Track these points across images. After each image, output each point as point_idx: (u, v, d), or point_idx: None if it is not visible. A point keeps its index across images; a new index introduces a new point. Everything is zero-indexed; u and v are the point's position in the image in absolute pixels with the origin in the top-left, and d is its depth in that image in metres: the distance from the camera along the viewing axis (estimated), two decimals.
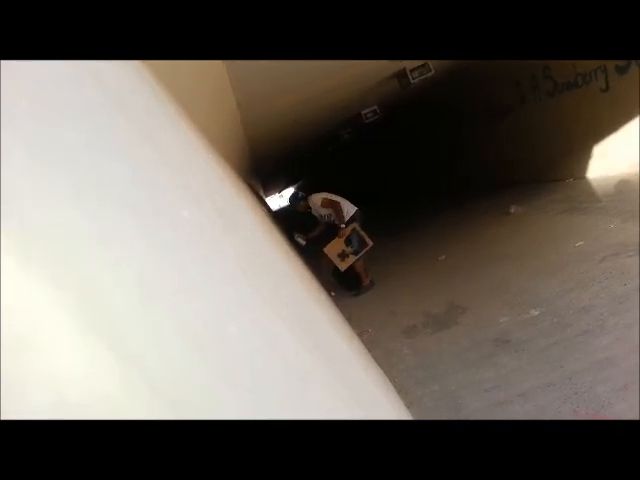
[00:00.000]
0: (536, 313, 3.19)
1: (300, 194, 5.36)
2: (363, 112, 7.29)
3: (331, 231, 5.23)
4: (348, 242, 5.12)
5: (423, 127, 10.33)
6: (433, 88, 7.08)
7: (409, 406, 2.43)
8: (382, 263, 5.93)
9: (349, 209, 5.19)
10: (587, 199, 5.45)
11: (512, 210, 6.05)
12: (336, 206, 5.09)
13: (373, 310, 4.57)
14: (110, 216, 0.35)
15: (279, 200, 29.62)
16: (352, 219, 5.17)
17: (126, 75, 0.67)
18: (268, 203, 11.09)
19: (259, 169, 9.40)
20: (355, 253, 5.13)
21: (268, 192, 19.19)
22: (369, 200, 7.37)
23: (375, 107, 7.30)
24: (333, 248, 5.13)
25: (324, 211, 5.19)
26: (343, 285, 5.41)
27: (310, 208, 5.27)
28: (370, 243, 5.17)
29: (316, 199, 5.18)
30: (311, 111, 5.93)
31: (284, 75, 3.50)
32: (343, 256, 5.12)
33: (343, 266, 5.14)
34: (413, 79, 5.37)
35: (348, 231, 5.10)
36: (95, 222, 0.33)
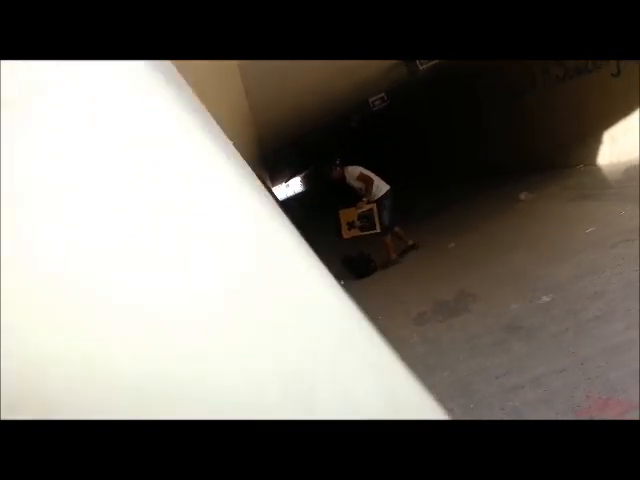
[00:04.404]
0: (547, 299, 3.16)
1: (337, 161, 5.50)
2: (370, 100, 7.21)
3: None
4: (362, 217, 5.31)
5: (432, 114, 10.23)
6: (442, 73, 7.00)
7: None
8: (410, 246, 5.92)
9: (381, 186, 5.44)
10: (598, 185, 5.39)
11: (522, 197, 5.99)
12: (369, 182, 5.33)
13: (382, 298, 4.56)
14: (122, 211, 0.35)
15: (285, 190, 29.39)
16: (384, 197, 5.38)
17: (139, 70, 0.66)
18: (275, 192, 11.06)
19: (267, 157, 9.38)
20: (361, 230, 5.33)
21: (275, 181, 19.15)
22: None
23: (382, 94, 7.22)
24: (346, 215, 5.38)
25: (357, 184, 5.41)
26: (352, 272, 5.42)
27: (344, 178, 5.45)
28: (377, 229, 5.30)
29: (353, 171, 5.41)
30: (318, 99, 5.90)
31: (291, 62, 3.47)
32: (350, 226, 5.37)
33: (345, 235, 5.41)
34: (421, 65, 5.34)
35: (365, 208, 5.30)
36: (109, 217, 0.33)
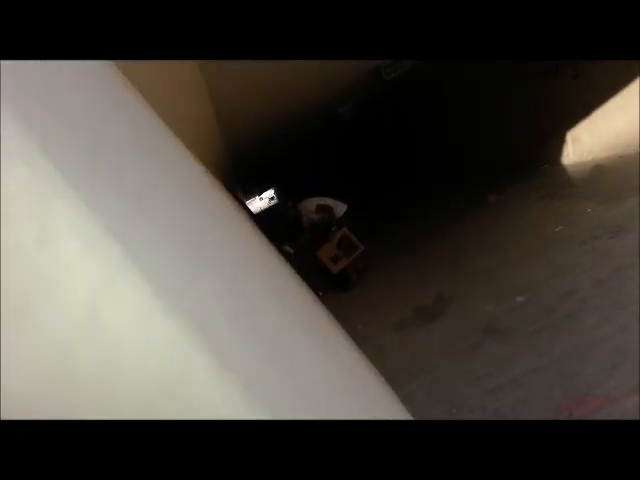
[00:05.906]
0: (521, 300, 3.19)
1: (290, 203, 5.45)
2: (340, 110, 6.93)
3: (319, 234, 5.29)
4: (339, 246, 5.24)
5: (398, 120, 10.08)
6: (408, 80, 6.68)
7: (403, 399, 2.28)
8: (365, 259, 5.75)
9: (340, 208, 5.39)
10: (563, 184, 5.46)
11: (490, 200, 6.07)
12: (329, 210, 5.29)
13: (361, 307, 4.53)
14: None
15: (259, 203, 24.60)
16: (341, 219, 5.33)
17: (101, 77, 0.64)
18: (248, 207, 9.27)
19: (238, 170, 8.71)
20: (348, 256, 5.24)
21: (248, 195, 16.47)
22: (349, 196, 6.67)
23: (351, 104, 6.93)
24: (325, 252, 5.22)
25: (317, 216, 5.32)
26: (330, 285, 5.38)
27: (299, 216, 5.34)
28: (360, 247, 5.28)
29: (309, 205, 5.34)
30: (287, 108, 5.48)
31: (258, 68, 3.10)
32: (335, 259, 5.22)
33: (335, 269, 5.23)
34: (387, 75, 5.16)
35: (339, 235, 5.23)
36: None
